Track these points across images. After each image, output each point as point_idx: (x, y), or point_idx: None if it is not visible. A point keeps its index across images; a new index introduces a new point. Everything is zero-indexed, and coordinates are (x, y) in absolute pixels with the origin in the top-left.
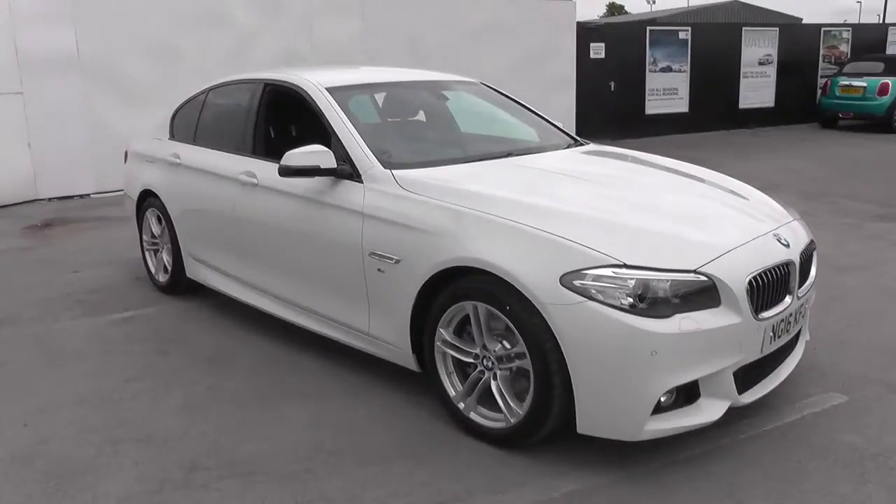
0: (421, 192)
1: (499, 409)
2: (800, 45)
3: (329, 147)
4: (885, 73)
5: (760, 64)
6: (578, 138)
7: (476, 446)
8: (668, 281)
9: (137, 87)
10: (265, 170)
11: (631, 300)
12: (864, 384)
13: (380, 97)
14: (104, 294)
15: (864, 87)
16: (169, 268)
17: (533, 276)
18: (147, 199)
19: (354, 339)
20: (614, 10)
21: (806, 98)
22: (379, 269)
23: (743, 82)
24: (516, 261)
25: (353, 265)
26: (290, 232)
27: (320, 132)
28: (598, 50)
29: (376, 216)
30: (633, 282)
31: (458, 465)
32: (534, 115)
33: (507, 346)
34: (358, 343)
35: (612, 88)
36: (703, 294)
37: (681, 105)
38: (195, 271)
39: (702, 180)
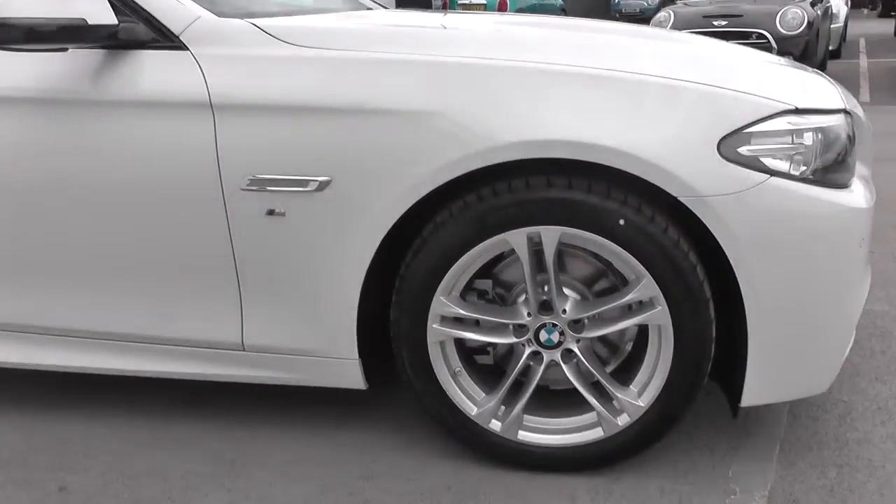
0: (352, 47)
1: (582, 409)
2: None
3: None
4: None
5: None
6: None
7: (545, 484)
8: (836, 127)
9: None
10: None
11: (812, 166)
12: None
13: None
14: None
15: (485, 4)
16: None
17: (674, 152)
18: None
19: (207, 365)
20: None
21: None
22: (271, 212)
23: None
24: (637, 132)
25: (195, 216)
26: (14, 181)
27: None
28: None
29: (252, 103)
30: (809, 136)
31: None
32: None
33: (591, 295)
34: (215, 371)
35: None
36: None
37: None
38: None
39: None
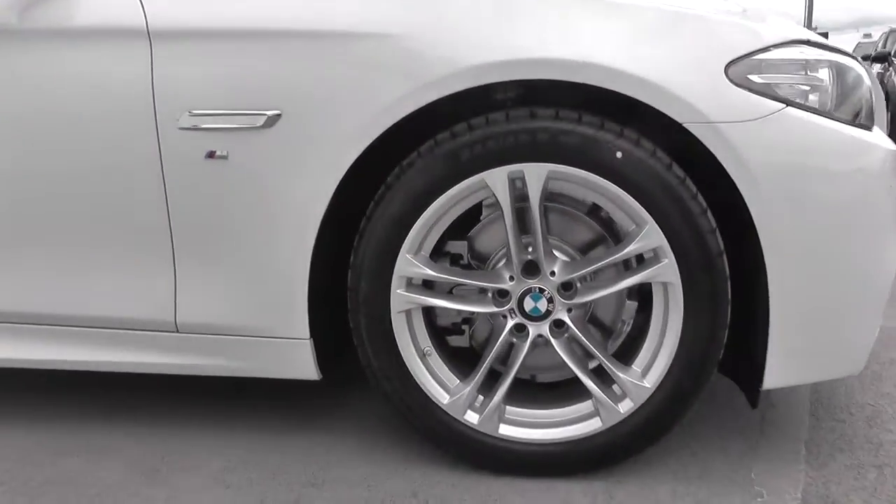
0: None
1: (575, 399)
2: None
3: None
4: None
5: None
6: None
7: (532, 489)
8: (854, 68)
9: None
10: None
11: (831, 104)
12: None
13: None
14: None
15: None
16: None
17: (678, 74)
18: None
19: (132, 353)
20: None
21: None
22: (211, 154)
23: None
24: (634, 52)
25: (125, 161)
26: None
27: None
28: None
29: (194, 30)
30: (825, 71)
31: None
32: None
33: (577, 253)
34: (143, 359)
35: None
36: None
37: None
38: None
39: None
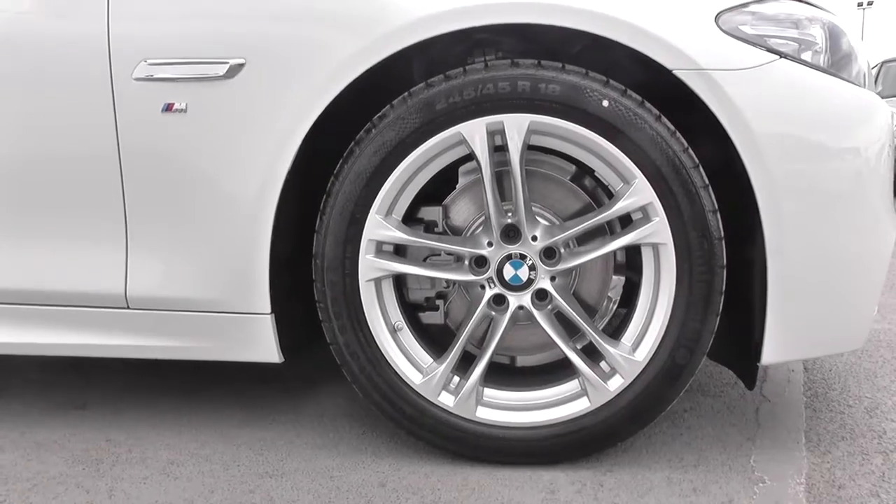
0: None
1: (560, 380)
2: None
3: None
4: None
5: None
6: None
7: (513, 478)
8: (846, 32)
9: None
10: None
11: (825, 61)
12: None
13: None
14: None
15: None
16: None
17: (666, 20)
18: None
19: (79, 333)
20: None
21: None
22: (169, 107)
23: None
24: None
25: (77, 116)
26: None
27: None
28: None
29: None
30: (818, 28)
31: None
32: None
33: (560, 216)
34: (89, 340)
35: None
36: None
37: None
38: None
39: None
